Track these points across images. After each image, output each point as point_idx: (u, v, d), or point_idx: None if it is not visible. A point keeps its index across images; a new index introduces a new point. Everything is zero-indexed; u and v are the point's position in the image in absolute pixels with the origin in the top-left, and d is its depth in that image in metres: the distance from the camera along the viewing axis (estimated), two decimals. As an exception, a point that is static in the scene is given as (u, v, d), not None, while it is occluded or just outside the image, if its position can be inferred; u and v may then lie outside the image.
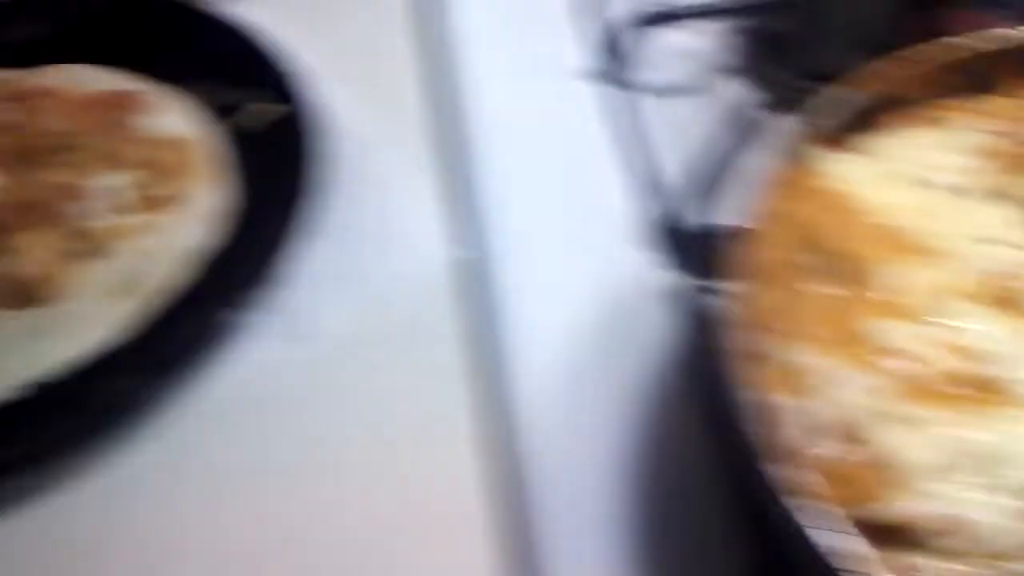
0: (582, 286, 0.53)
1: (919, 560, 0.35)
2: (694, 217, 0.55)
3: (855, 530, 0.34)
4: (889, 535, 0.35)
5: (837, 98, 0.46)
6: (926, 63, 0.47)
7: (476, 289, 0.53)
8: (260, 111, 0.60)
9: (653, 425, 0.48)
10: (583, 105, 0.62)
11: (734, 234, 0.42)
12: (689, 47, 0.66)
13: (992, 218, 0.44)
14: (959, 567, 0.35)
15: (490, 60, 0.64)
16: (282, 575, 0.45)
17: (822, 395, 0.38)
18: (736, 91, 0.62)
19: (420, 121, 0.61)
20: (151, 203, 0.55)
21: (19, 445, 0.48)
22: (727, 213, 0.50)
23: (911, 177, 0.46)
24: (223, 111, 0.61)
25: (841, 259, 0.42)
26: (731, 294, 0.39)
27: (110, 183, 0.54)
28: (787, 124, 0.45)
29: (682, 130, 0.60)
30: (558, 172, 0.59)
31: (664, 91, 0.63)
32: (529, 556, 0.44)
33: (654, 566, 0.43)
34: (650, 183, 0.58)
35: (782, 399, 0.38)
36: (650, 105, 0.63)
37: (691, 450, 0.46)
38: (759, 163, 0.44)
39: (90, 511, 0.47)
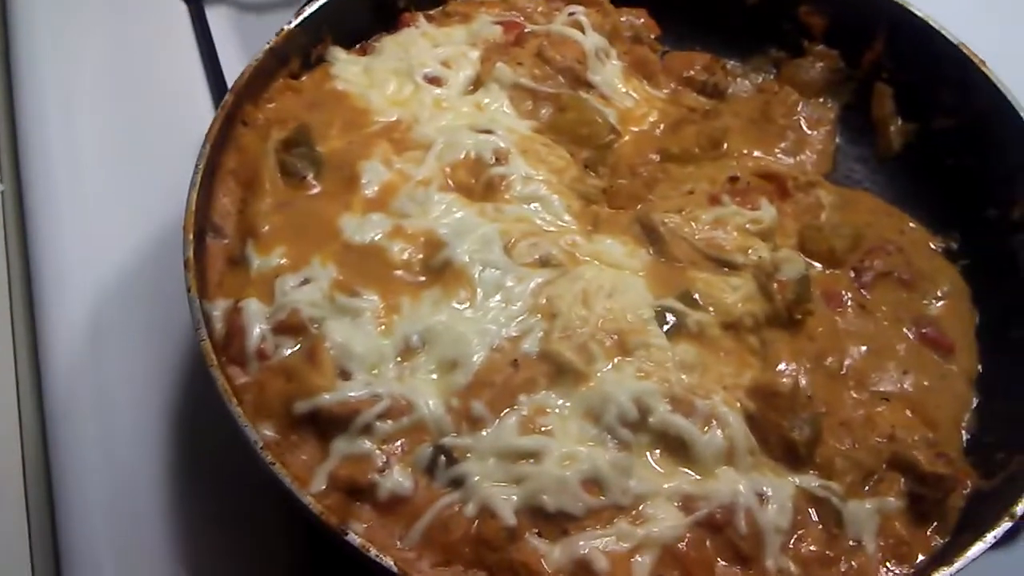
0: (140, 217, 0.50)
1: (365, 443, 0.35)
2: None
3: (274, 422, 0.34)
4: (334, 424, 0.35)
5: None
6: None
7: (21, 220, 0.50)
8: None
9: (183, 347, 0.46)
10: (165, 23, 0.58)
11: (208, 140, 0.40)
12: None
13: (479, 107, 0.45)
14: (398, 445, 0.35)
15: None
16: None
17: (280, 294, 0.37)
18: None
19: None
20: None
21: None
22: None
23: (414, 73, 0.46)
24: None
25: (325, 160, 0.42)
26: (189, 204, 0.38)
27: None
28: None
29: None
30: (129, 98, 0.55)
31: (253, 7, 0.60)
32: (53, 477, 0.42)
33: (178, 476, 0.41)
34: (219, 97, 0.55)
35: (246, 302, 0.38)
36: (240, 21, 0.59)
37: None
38: (255, 67, 0.43)
39: None
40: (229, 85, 0.42)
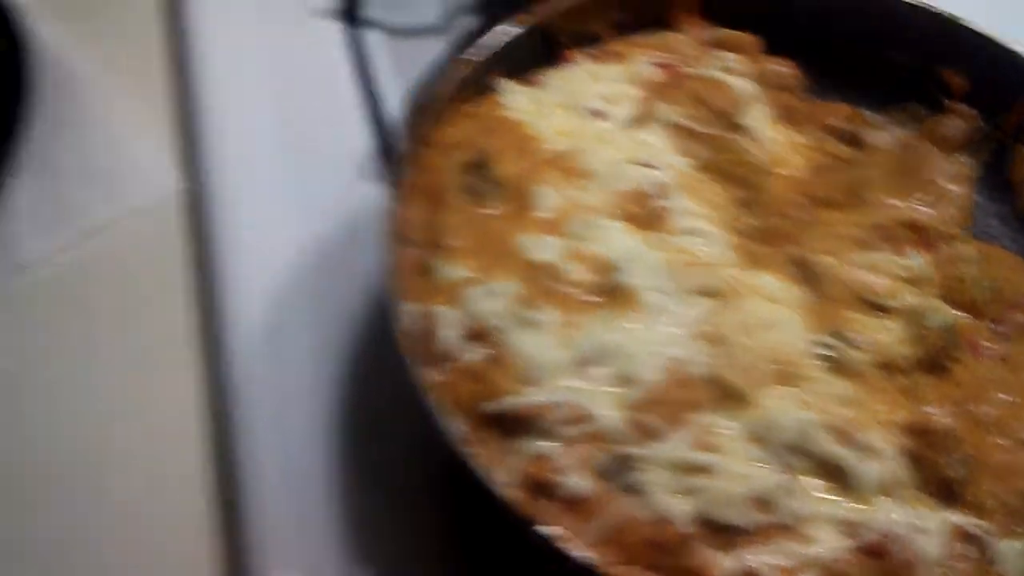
0: (308, 219, 0.54)
1: (544, 445, 0.37)
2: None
3: (474, 419, 0.37)
4: (519, 425, 0.38)
5: (507, 32, 0.48)
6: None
7: (198, 222, 0.53)
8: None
9: (359, 342, 0.49)
10: (323, 44, 0.62)
11: (402, 158, 0.43)
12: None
13: (641, 142, 0.47)
14: (577, 450, 0.38)
15: (226, 7, 0.63)
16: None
17: (466, 303, 0.40)
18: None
19: (155, 61, 0.60)
20: None
21: None
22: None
23: (582, 107, 0.49)
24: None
25: (502, 182, 0.44)
26: (390, 215, 0.41)
27: None
28: (462, 57, 0.47)
29: (411, 67, 0.61)
30: (294, 108, 0.58)
31: (404, 32, 0.64)
32: (234, 462, 0.45)
33: (357, 505, 0.44)
34: (381, 121, 0.58)
35: (435, 308, 0.40)
36: (391, 44, 0.63)
37: (387, 368, 0.48)
38: (437, 93, 0.46)
39: None
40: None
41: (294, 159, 0.56)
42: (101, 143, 0.55)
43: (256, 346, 0.48)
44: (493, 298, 0.40)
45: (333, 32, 0.63)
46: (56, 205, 0.52)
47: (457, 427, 0.36)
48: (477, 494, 0.35)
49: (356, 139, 0.57)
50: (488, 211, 0.44)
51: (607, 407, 0.38)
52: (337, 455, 0.44)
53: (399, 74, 0.62)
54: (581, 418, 0.38)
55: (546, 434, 0.37)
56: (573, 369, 0.39)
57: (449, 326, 0.39)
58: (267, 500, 0.43)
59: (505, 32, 0.48)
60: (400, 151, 0.44)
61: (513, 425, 0.37)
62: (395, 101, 0.59)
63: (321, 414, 0.46)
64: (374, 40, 0.63)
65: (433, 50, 0.56)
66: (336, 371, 0.47)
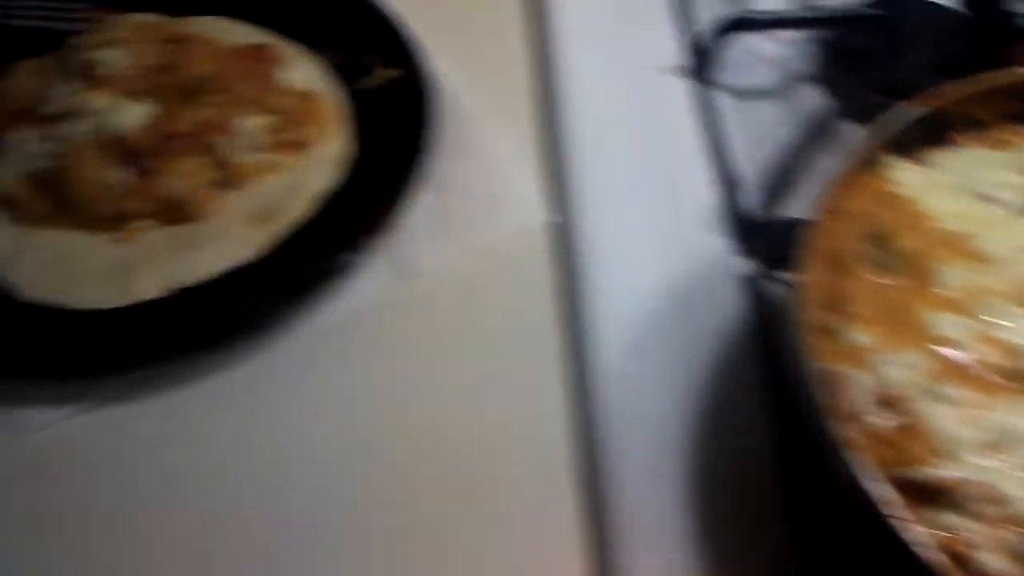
0: (661, 259, 0.57)
1: (954, 519, 0.39)
2: (766, 210, 0.59)
3: (890, 484, 0.39)
4: (928, 496, 0.39)
5: (908, 113, 0.50)
6: (988, 86, 0.51)
7: (565, 251, 0.58)
8: (377, 73, 0.64)
9: (717, 387, 0.52)
10: (672, 97, 0.66)
11: (805, 225, 0.46)
12: (771, 53, 0.70)
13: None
14: (990, 530, 0.39)
15: (591, 46, 0.68)
16: (370, 487, 0.50)
17: (876, 370, 0.42)
18: (812, 97, 0.66)
19: (524, 96, 0.65)
20: (283, 146, 0.60)
21: (157, 339, 0.53)
22: (799, 207, 0.54)
23: (972, 190, 0.50)
24: (342, 70, 0.66)
25: (902, 255, 0.46)
26: (800, 276, 0.43)
27: (250, 124, 0.59)
28: (860, 131, 0.49)
29: (761, 129, 0.64)
30: (646, 155, 0.62)
31: (745, 93, 0.67)
32: (599, 490, 0.48)
33: (710, 511, 0.47)
34: (727, 176, 0.62)
35: (843, 370, 0.43)
36: (732, 104, 0.66)
37: (751, 411, 0.50)
38: (831, 164, 0.48)
39: (206, 407, 0.52)
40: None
41: (650, 201, 0.60)
42: (482, 170, 0.60)
43: (619, 368, 0.52)
44: (904, 368, 0.42)
45: (676, 87, 0.67)
46: (445, 223, 0.58)
47: (882, 488, 0.38)
48: (889, 552, 0.37)
49: (702, 192, 0.61)
50: (890, 282, 0.46)
51: (1020, 490, 0.39)
52: (693, 472, 0.47)
53: (741, 131, 0.65)
54: (995, 499, 0.39)
55: (959, 508, 0.39)
56: (983, 449, 0.40)
57: (860, 389, 0.41)
58: (629, 511, 0.46)
59: (906, 112, 0.50)
60: (801, 220, 0.46)
61: (927, 495, 0.39)
62: (739, 157, 0.62)
63: (679, 434, 0.49)
64: (721, 99, 0.66)
65: (771, 112, 0.59)
66: (693, 399, 0.50)
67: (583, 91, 0.65)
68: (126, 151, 0.56)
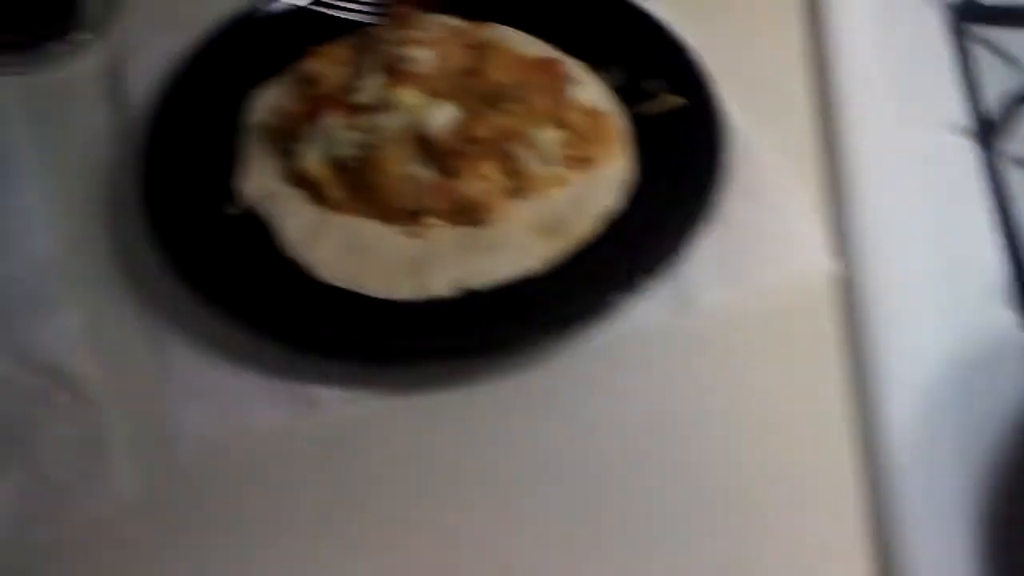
0: (946, 324, 0.55)
1: None
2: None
3: None
4: None
5: None
6: None
7: (849, 305, 0.56)
8: (661, 98, 0.65)
9: (1007, 467, 0.50)
10: (959, 158, 0.64)
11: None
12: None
13: None
14: None
15: (876, 95, 0.66)
16: (634, 517, 0.49)
17: None
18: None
19: (807, 137, 0.64)
20: (571, 161, 0.60)
21: (446, 337, 0.54)
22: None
23: None
24: (623, 91, 0.66)
25: None
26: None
27: (546, 136, 0.59)
28: None
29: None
30: (931, 213, 0.61)
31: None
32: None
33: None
34: (1015, 248, 0.59)
35: None
36: (1021, 176, 0.64)
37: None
38: None
39: (482, 409, 0.53)
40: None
41: (934, 263, 0.58)
42: (768, 210, 0.60)
43: (908, 438, 0.50)
44: None
45: (963, 149, 0.65)
46: (727, 260, 0.57)
47: None
48: None
49: (989, 259, 0.58)
50: None
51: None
52: (981, 553, 0.45)
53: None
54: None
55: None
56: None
57: None
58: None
59: None
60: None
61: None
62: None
63: (968, 508, 0.47)
64: (1010, 169, 0.64)
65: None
66: (985, 480, 0.48)
67: (867, 141, 0.64)
68: (430, 149, 0.57)
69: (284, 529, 0.49)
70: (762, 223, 0.59)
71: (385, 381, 0.53)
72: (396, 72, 0.60)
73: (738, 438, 0.52)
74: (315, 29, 0.67)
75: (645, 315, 0.56)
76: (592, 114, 0.62)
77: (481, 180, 0.57)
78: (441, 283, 0.55)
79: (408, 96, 0.58)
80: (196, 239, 0.56)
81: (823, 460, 0.51)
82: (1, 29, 0.70)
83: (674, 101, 0.64)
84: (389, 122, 0.57)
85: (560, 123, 0.61)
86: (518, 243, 0.57)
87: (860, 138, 0.64)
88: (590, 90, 0.65)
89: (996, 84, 0.66)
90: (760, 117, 0.64)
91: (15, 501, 0.49)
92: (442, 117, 0.57)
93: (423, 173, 0.57)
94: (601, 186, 0.60)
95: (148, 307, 0.57)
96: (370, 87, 0.60)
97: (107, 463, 0.50)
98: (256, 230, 0.58)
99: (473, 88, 0.60)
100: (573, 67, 0.66)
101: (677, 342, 0.55)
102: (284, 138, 0.61)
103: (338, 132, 0.58)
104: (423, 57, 0.60)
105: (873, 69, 0.68)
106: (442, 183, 0.57)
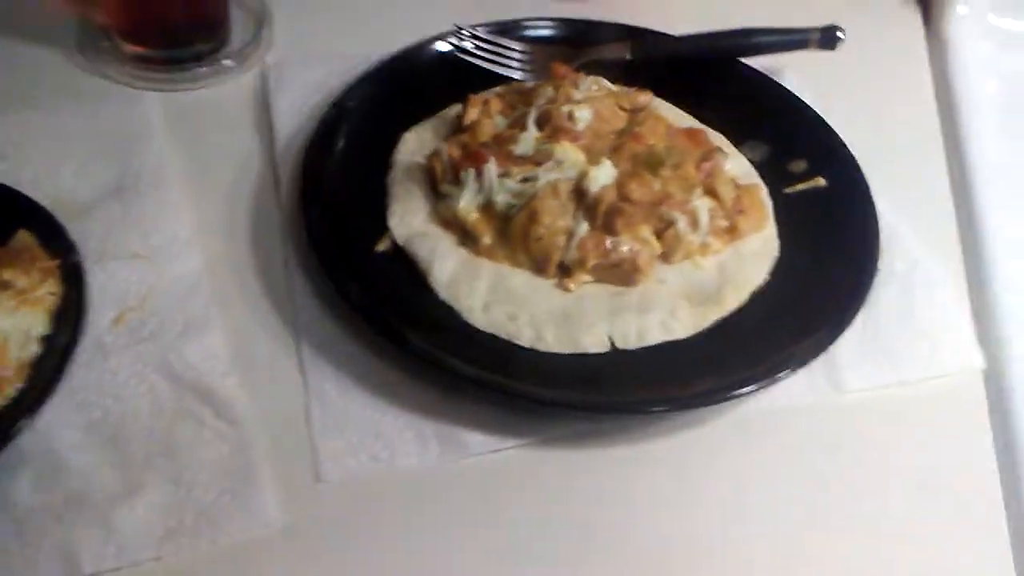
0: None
1: None
2: None
3: None
4: None
5: None
6: None
7: (996, 400, 0.56)
8: (804, 177, 0.65)
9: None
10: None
11: None
12: None
13: None
14: None
15: (1015, 190, 0.67)
16: None
17: None
18: None
19: (950, 226, 0.65)
20: (718, 231, 0.61)
21: (593, 393, 0.54)
22: None
23: None
24: (763, 167, 0.67)
25: None
26: None
27: (700, 204, 0.60)
28: None
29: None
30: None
31: None
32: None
33: None
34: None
35: None
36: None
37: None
38: None
39: (624, 464, 0.53)
40: None
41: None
42: (917, 299, 0.60)
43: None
44: None
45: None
46: (876, 347, 0.57)
47: None
48: None
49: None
50: None
51: None
52: None
53: None
54: None
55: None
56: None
57: None
58: None
59: None
60: None
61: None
62: None
63: None
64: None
65: None
66: None
67: (1009, 234, 0.64)
68: (587, 206, 0.58)
69: (424, 570, 0.48)
70: (911, 311, 0.59)
71: (528, 430, 0.53)
72: (555, 127, 0.61)
73: (880, 527, 0.51)
74: (462, 77, 0.69)
75: (791, 393, 0.55)
76: (739, 186, 0.63)
77: (635, 241, 0.58)
78: (594, 341, 0.55)
79: (571, 153, 0.59)
80: (353, 274, 0.56)
81: (974, 552, 0.50)
82: (150, 44, 0.71)
83: (816, 183, 0.65)
84: (547, 174, 0.58)
85: (711, 192, 0.61)
86: (667, 308, 0.57)
87: (1000, 225, 0.64)
88: (736, 163, 0.65)
89: None
90: (901, 202, 0.65)
91: (159, 516, 0.48)
92: (604, 175, 0.58)
93: (578, 228, 0.58)
94: (748, 259, 0.61)
95: (292, 333, 0.57)
96: (529, 141, 0.60)
97: (253, 488, 0.50)
98: (406, 268, 0.59)
99: (628, 149, 0.61)
100: (719, 138, 0.67)
101: (826, 421, 0.55)
102: (436, 180, 0.62)
103: (496, 181, 0.59)
104: (585, 116, 0.61)
105: (1007, 155, 0.68)
106: (599, 239, 0.57)
